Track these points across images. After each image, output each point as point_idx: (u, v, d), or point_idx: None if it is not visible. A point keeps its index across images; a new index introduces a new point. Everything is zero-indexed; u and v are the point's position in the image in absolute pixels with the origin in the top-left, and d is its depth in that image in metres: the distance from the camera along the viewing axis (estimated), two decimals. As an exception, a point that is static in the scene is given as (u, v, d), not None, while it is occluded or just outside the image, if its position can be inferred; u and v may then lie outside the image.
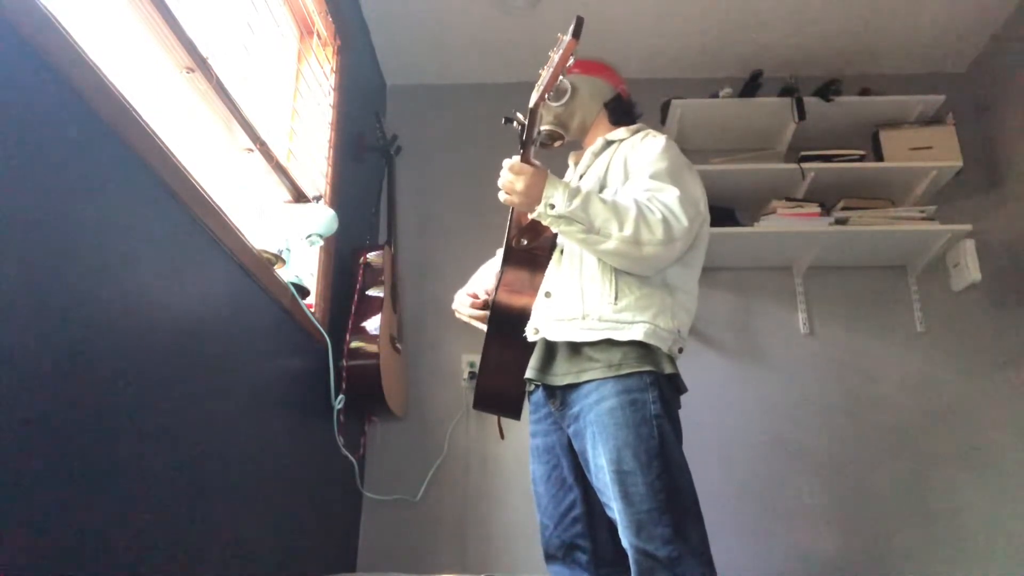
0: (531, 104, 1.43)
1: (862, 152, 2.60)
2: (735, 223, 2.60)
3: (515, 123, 1.49)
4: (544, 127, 1.73)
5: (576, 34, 1.33)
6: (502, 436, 1.75)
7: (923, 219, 2.52)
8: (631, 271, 1.46)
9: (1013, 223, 2.67)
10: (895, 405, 2.51)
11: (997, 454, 2.43)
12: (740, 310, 2.67)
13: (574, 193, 1.41)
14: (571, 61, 1.37)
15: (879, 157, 2.62)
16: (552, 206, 1.40)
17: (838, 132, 2.74)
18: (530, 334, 1.55)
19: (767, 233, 2.51)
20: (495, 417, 1.72)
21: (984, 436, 2.46)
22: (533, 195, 1.42)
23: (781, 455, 2.47)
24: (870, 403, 2.52)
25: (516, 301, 1.60)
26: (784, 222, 2.52)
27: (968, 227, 2.47)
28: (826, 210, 2.54)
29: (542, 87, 1.40)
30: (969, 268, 2.50)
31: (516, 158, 1.46)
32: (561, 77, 1.70)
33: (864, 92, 2.68)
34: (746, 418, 2.52)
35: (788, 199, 2.57)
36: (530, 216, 1.46)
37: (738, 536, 2.37)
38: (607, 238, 1.39)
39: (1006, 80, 2.72)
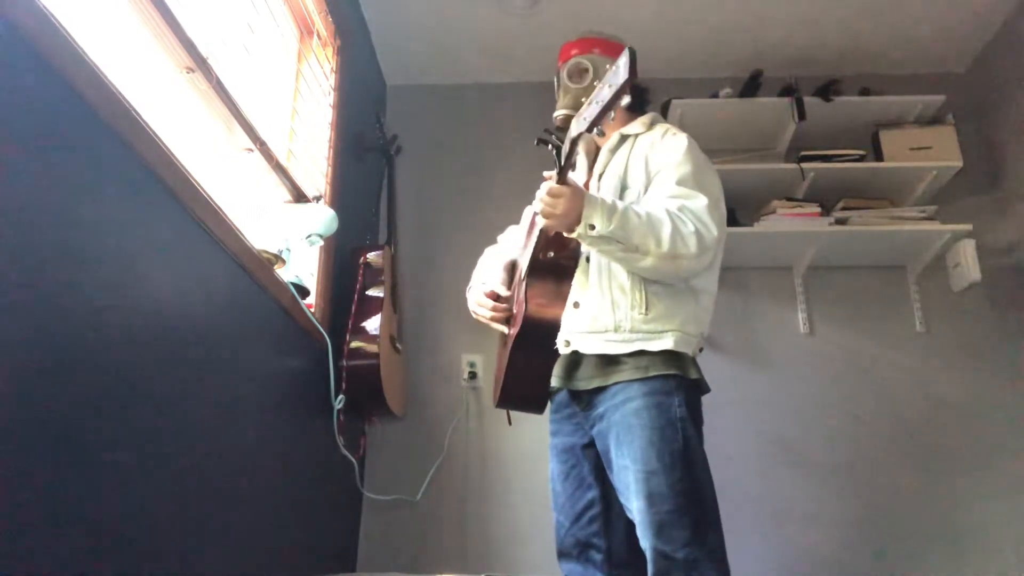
0: (573, 134, 1.36)
1: (862, 152, 2.60)
2: (735, 223, 2.59)
3: (550, 146, 1.44)
4: (561, 111, 1.66)
5: (633, 71, 1.24)
6: (510, 422, 1.75)
7: (923, 219, 2.52)
8: (662, 281, 1.48)
9: (1013, 223, 2.67)
10: (895, 405, 2.51)
11: (997, 453, 2.43)
12: (740, 310, 2.67)
13: (611, 211, 1.39)
14: (626, 100, 1.28)
15: (879, 157, 2.62)
16: (592, 227, 1.39)
17: (838, 132, 2.73)
18: (561, 347, 1.54)
19: (767, 233, 2.51)
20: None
21: (984, 435, 2.46)
22: (572, 216, 1.40)
23: (781, 455, 2.47)
24: (870, 403, 2.52)
25: (547, 313, 1.57)
26: (784, 222, 2.52)
27: (968, 227, 2.47)
28: (826, 210, 2.54)
29: (589, 120, 1.30)
30: (969, 268, 2.49)
31: (553, 176, 1.42)
32: (581, 58, 1.66)
33: (864, 92, 2.68)
34: (746, 418, 2.52)
35: (788, 199, 2.57)
36: (571, 235, 1.44)
37: (738, 535, 2.35)
38: (645, 255, 1.39)
39: (1006, 80, 2.72)
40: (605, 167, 1.65)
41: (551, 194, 1.42)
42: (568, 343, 1.53)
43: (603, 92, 1.26)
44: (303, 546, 1.90)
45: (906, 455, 2.45)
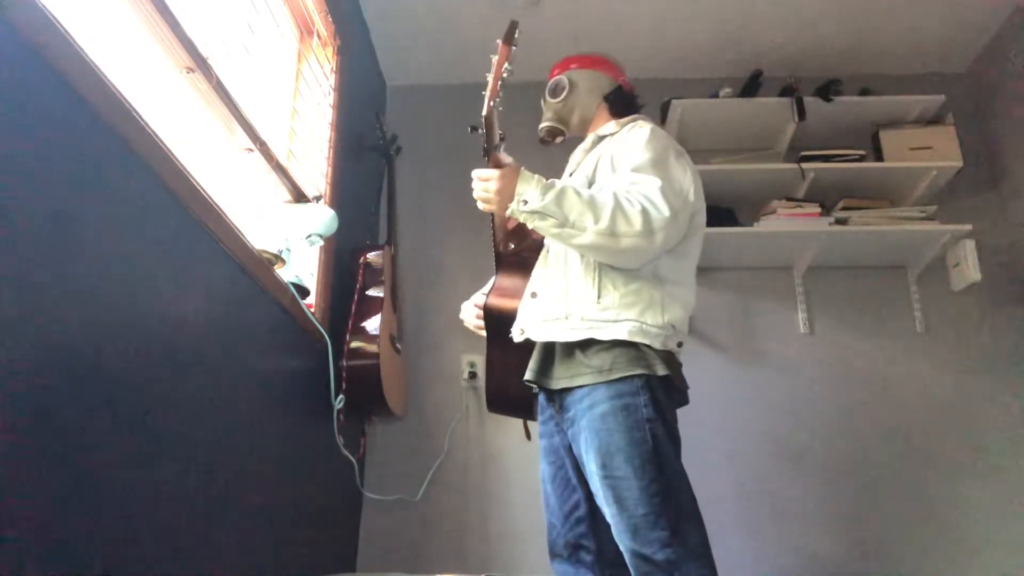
0: (483, 113, 1.45)
1: (862, 152, 2.60)
2: (735, 223, 2.60)
3: (480, 130, 1.50)
4: (544, 123, 1.73)
5: (507, 39, 1.38)
6: (528, 437, 1.76)
7: (923, 219, 2.52)
8: (614, 264, 1.45)
9: (1013, 223, 2.67)
10: (895, 405, 2.51)
11: (997, 454, 2.43)
12: (740, 310, 2.67)
13: (547, 187, 1.40)
14: (508, 65, 1.41)
15: (879, 157, 2.62)
16: (525, 202, 1.39)
17: (838, 132, 2.73)
18: (516, 335, 1.55)
19: (767, 233, 2.51)
20: (498, 417, 1.74)
21: (984, 436, 2.46)
22: (507, 194, 1.41)
23: (781, 455, 2.47)
24: (870, 403, 2.52)
25: (507, 304, 1.61)
26: (784, 222, 2.52)
27: (968, 227, 2.47)
28: (826, 210, 2.54)
29: (487, 94, 1.44)
30: (969, 268, 2.50)
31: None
32: (560, 76, 1.73)
33: (864, 92, 2.68)
34: (746, 418, 2.52)
35: (788, 199, 2.57)
36: (505, 214, 1.45)
37: (738, 536, 2.37)
38: (582, 231, 1.37)
39: (1006, 80, 2.72)
40: (577, 166, 1.66)
41: (481, 178, 1.46)
42: (522, 331, 1.53)
43: (492, 63, 1.40)
44: (303, 546, 1.90)
45: (905, 455, 2.45)
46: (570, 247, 1.45)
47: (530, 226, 1.44)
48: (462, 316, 1.80)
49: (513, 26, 1.36)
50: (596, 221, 1.36)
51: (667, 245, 1.43)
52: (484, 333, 1.73)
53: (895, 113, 2.66)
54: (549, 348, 1.51)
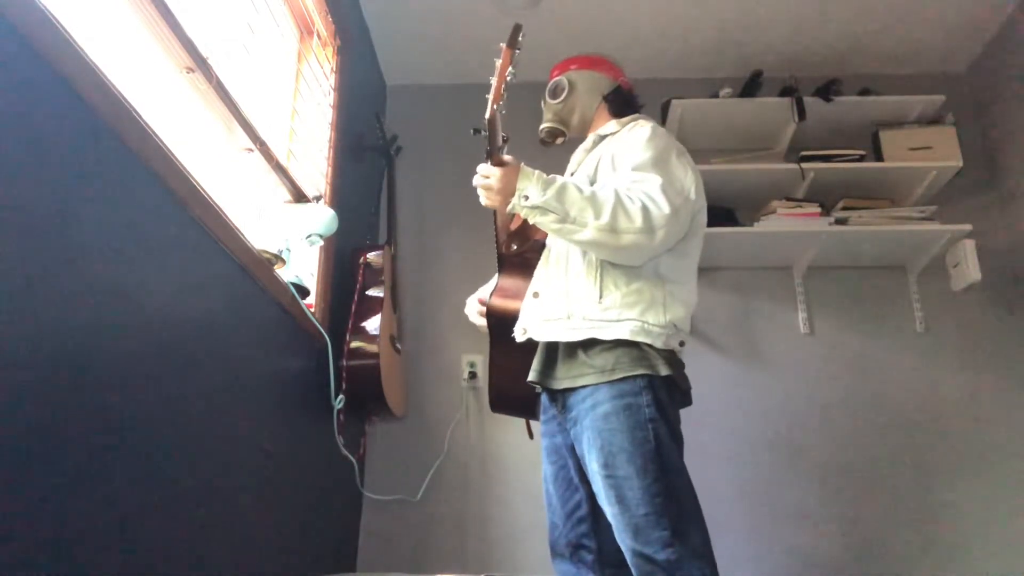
0: (487, 116, 1.46)
1: (862, 152, 2.60)
2: (735, 223, 2.60)
3: (483, 132, 1.51)
4: (545, 125, 1.75)
5: (511, 43, 1.39)
6: (531, 436, 1.77)
7: (923, 219, 2.52)
8: (615, 261, 1.45)
9: (1013, 223, 2.67)
10: (895, 405, 2.51)
11: (997, 454, 2.43)
12: (740, 310, 2.67)
13: (548, 183, 1.41)
14: (511, 68, 1.42)
15: (879, 157, 2.62)
16: (526, 197, 1.40)
17: (838, 132, 2.73)
18: (518, 335, 1.56)
19: (767, 233, 2.51)
20: (498, 417, 1.74)
21: (984, 436, 2.46)
22: (508, 190, 1.42)
23: (781, 455, 2.47)
24: (870, 403, 2.52)
25: (509, 305, 1.62)
26: (784, 222, 2.52)
27: (968, 227, 2.47)
28: (826, 210, 2.54)
29: (491, 96, 1.45)
30: (969, 268, 2.49)
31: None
32: (560, 78, 1.75)
33: (864, 92, 2.68)
34: (746, 418, 2.52)
35: (788, 199, 2.57)
36: (507, 210, 1.46)
37: (738, 536, 2.37)
38: (583, 227, 1.37)
39: (1006, 80, 2.72)
40: (578, 166, 1.67)
41: (484, 174, 1.47)
42: (525, 331, 1.54)
43: (496, 67, 1.41)
44: (303, 546, 1.90)
45: (905, 455, 2.45)
46: (571, 243, 1.46)
47: (531, 221, 1.44)
48: (467, 311, 1.81)
49: (517, 29, 1.37)
50: (597, 217, 1.37)
51: (667, 242, 1.43)
52: (486, 329, 1.73)
53: (895, 113, 2.66)
54: (552, 348, 1.51)
